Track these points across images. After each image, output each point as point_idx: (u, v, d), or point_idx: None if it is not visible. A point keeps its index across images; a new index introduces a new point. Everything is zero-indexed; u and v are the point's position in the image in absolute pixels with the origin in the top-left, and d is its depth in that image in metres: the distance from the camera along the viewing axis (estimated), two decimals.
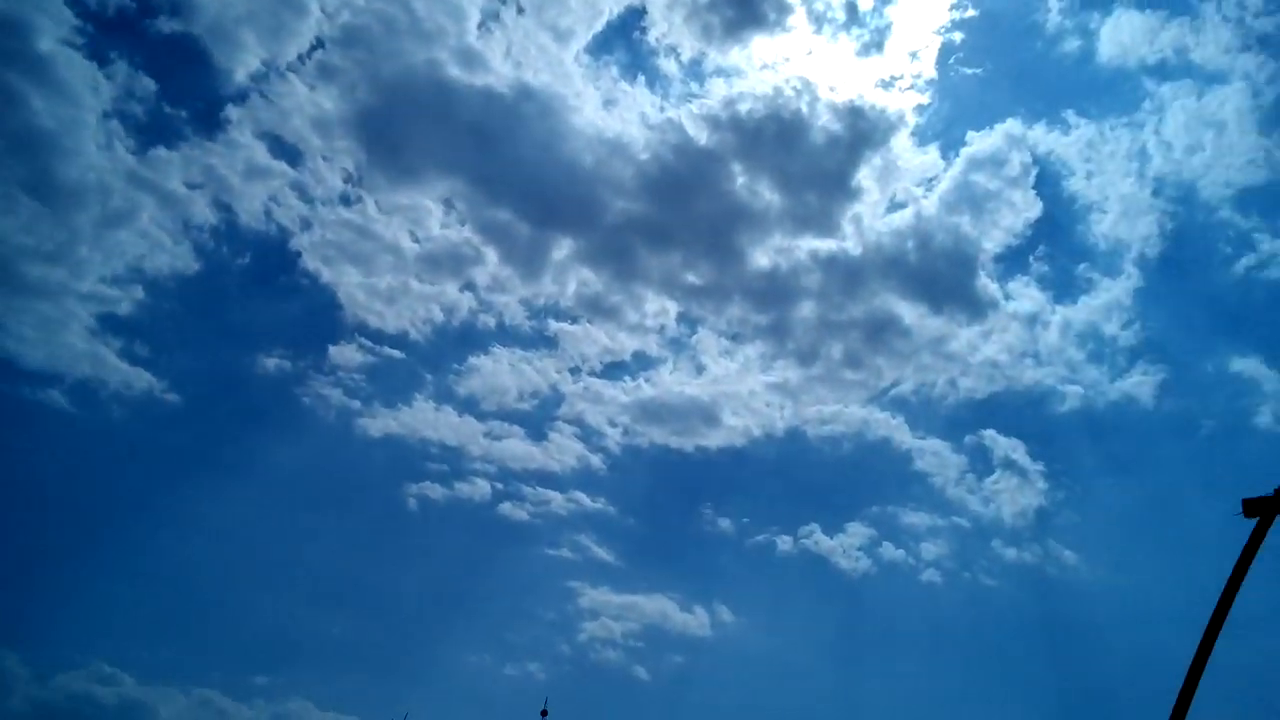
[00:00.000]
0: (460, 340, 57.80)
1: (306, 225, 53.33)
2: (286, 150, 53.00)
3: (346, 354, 53.76)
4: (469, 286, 56.10)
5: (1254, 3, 42.10)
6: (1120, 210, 49.80)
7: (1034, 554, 48.92)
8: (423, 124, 51.77)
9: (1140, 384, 48.96)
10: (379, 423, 52.25)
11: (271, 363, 52.41)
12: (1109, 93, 49.53)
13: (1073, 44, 48.85)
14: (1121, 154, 49.26)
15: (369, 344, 53.61)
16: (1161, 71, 47.10)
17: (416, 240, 55.05)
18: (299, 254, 53.40)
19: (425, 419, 53.52)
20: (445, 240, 55.86)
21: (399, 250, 54.53)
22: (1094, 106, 51.15)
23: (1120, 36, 46.41)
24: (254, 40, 49.75)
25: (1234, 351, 48.68)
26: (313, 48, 50.49)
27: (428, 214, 54.89)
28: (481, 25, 51.89)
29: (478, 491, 52.13)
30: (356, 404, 52.37)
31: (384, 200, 54.15)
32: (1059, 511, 49.94)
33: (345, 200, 54.59)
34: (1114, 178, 49.33)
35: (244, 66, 50.07)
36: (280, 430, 51.69)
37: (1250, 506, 4.58)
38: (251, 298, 54.83)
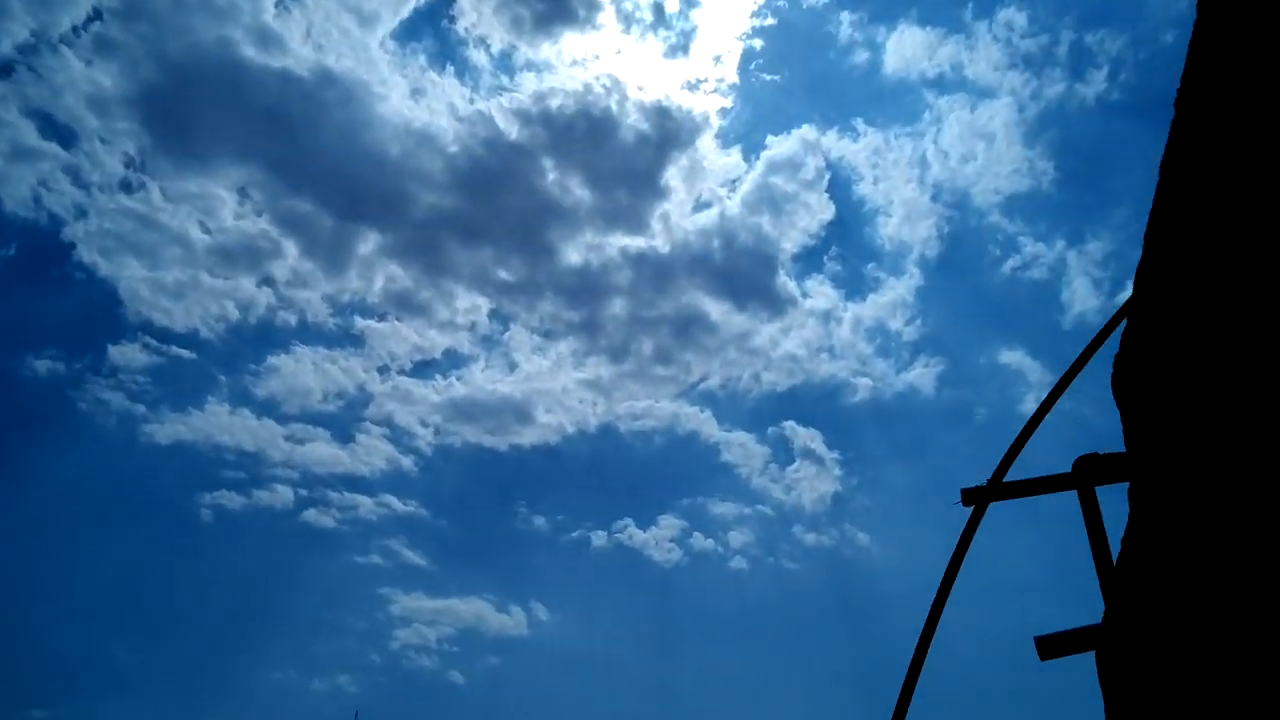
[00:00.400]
0: (258, 338, 54.66)
1: (82, 213, 48.86)
2: (59, 130, 48.36)
3: (129, 354, 49.60)
4: (267, 281, 53.03)
5: (1020, 24, 45.86)
6: (904, 214, 53.27)
7: (831, 537, 51.66)
8: (214, 106, 48.43)
9: (922, 375, 52.65)
10: (167, 428, 48.60)
11: (42, 365, 47.78)
12: (893, 103, 52.95)
13: (862, 55, 51.76)
14: (904, 161, 52.65)
15: (155, 343, 49.68)
16: (940, 85, 50.76)
17: (208, 231, 51.48)
18: (73, 245, 48.86)
19: (220, 423, 50.21)
20: (240, 231, 52.55)
21: (188, 242, 50.84)
22: (880, 115, 54.53)
23: (904, 50, 49.54)
24: (20, 8, 45.15)
25: (1003, 345, 53.16)
26: (89, 19, 46.26)
27: (220, 203, 51.45)
28: (279, 4, 49.07)
29: (279, 499, 49.49)
30: (141, 409, 48.47)
31: (171, 188, 50.35)
32: (853, 496, 52.97)
33: (126, 187, 50.37)
34: (898, 183, 52.70)
35: (9, 37, 45.33)
36: (52, 438, 47.11)
37: (968, 495, 4.94)
38: (17, 293, 49.77)
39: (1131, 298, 3.67)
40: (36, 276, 50.17)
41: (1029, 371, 51.02)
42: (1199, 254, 3.13)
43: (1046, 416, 4.92)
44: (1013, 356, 52.63)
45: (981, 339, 55.75)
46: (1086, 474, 4.38)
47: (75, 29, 46.35)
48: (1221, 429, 3.03)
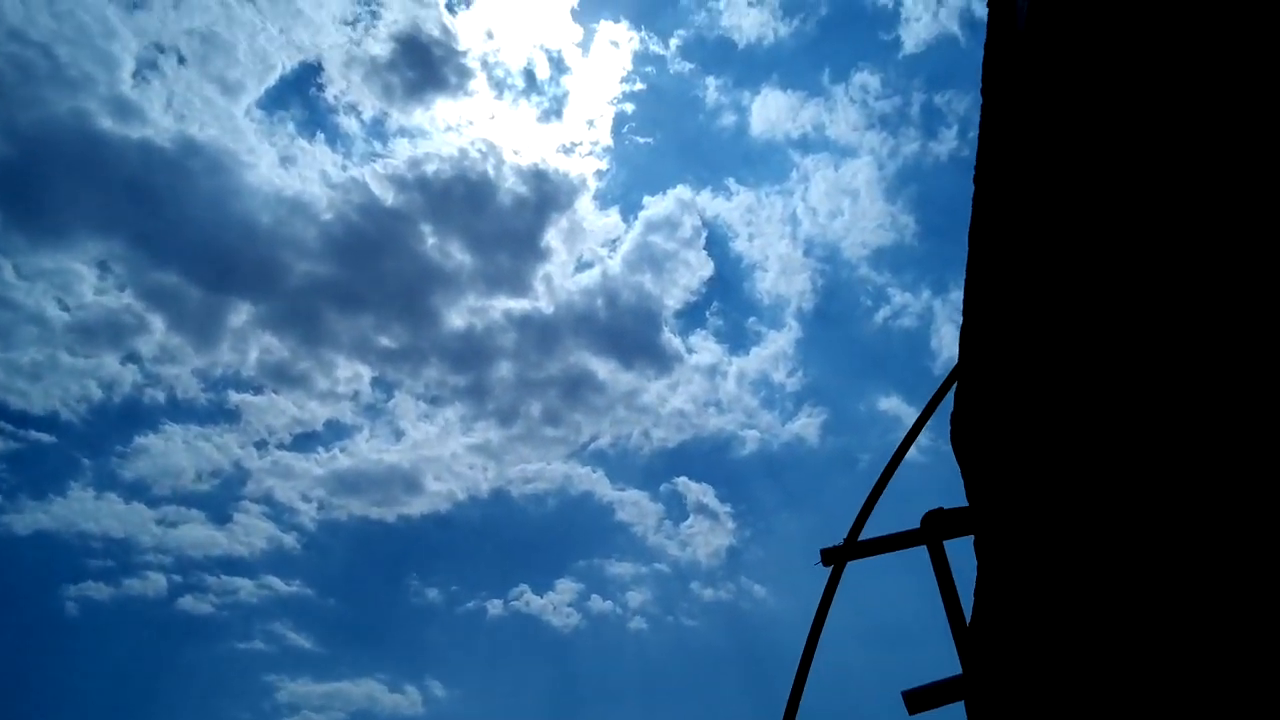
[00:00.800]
0: (124, 418, 51.80)
1: None
2: None
3: None
4: (132, 358, 50.53)
5: (874, 87, 48.17)
6: (779, 269, 54.81)
7: (728, 591, 51.70)
8: (70, 179, 46.41)
9: (806, 425, 53.70)
10: (26, 518, 45.30)
11: None
12: (762, 163, 54.84)
13: (729, 118, 53.52)
14: (777, 218, 54.37)
15: (10, 428, 46.51)
16: (804, 145, 52.80)
17: (66, 308, 48.89)
18: None
19: (84, 510, 47.16)
20: (101, 307, 50.07)
21: (44, 320, 48.13)
22: (751, 175, 56.28)
23: (768, 113, 51.46)
24: None
25: (880, 392, 54.79)
26: None
27: (79, 279, 48.99)
28: (137, 74, 47.59)
29: (151, 586, 46.50)
30: None
31: (25, 264, 47.76)
32: (746, 548, 53.27)
33: None
34: (772, 239, 54.29)
35: None
36: None
37: (826, 555, 5.02)
38: None
39: (958, 362, 3.83)
40: None
41: (905, 416, 52.72)
42: (1011, 317, 3.28)
43: (898, 471, 5.05)
44: (890, 403, 54.38)
45: (860, 387, 57.46)
46: (934, 529, 4.49)
47: None
48: (1049, 481, 3.15)
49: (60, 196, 47.94)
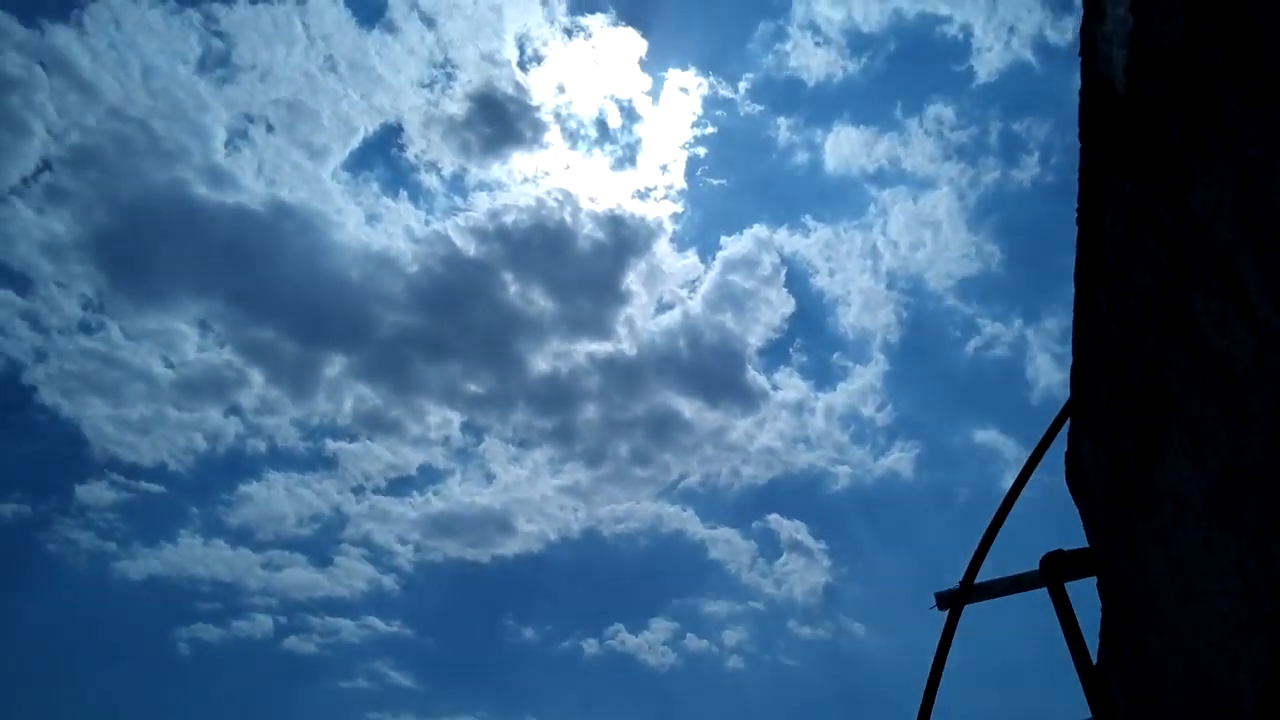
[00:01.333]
0: (228, 468, 53.72)
1: (41, 357, 48.44)
2: (14, 278, 48.31)
3: (96, 492, 48.57)
4: (234, 410, 52.56)
5: (949, 118, 47.64)
6: (862, 303, 54.19)
7: (826, 629, 50.64)
8: (170, 245, 48.76)
9: (900, 460, 52.57)
10: (140, 564, 47.26)
11: (8, 509, 46.57)
12: (839, 198, 54.53)
13: (802, 156, 53.53)
14: (856, 252, 53.86)
15: (122, 480, 48.72)
16: (881, 179, 52.36)
17: (171, 366, 51.20)
18: (34, 388, 48.31)
19: (193, 555, 48.95)
20: (203, 364, 52.29)
21: (151, 377, 50.45)
22: (828, 210, 56.02)
23: (841, 149, 51.33)
24: None
25: (975, 424, 53.43)
26: (39, 170, 46.75)
27: (182, 338, 51.30)
28: (229, 144, 49.97)
29: (258, 628, 47.86)
30: (112, 546, 47.26)
31: (131, 326, 50.21)
32: (844, 586, 52.19)
33: (86, 328, 50.17)
34: (853, 274, 53.76)
35: None
36: (20, 582, 45.65)
37: (941, 600, 4.92)
38: None
39: (1070, 398, 3.77)
40: None
41: (1003, 449, 51.31)
42: (1123, 354, 3.23)
43: (1014, 509, 4.96)
44: (986, 435, 52.96)
45: (954, 419, 56.07)
46: (1054, 571, 4.40)
47: (25, 180, 46.78)
48: (1173, 520, 3.08)
49: (162, 261, 50.33)
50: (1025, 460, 4.75)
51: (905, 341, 55.09)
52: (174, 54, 45.97)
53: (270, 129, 53.12)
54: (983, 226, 53.38)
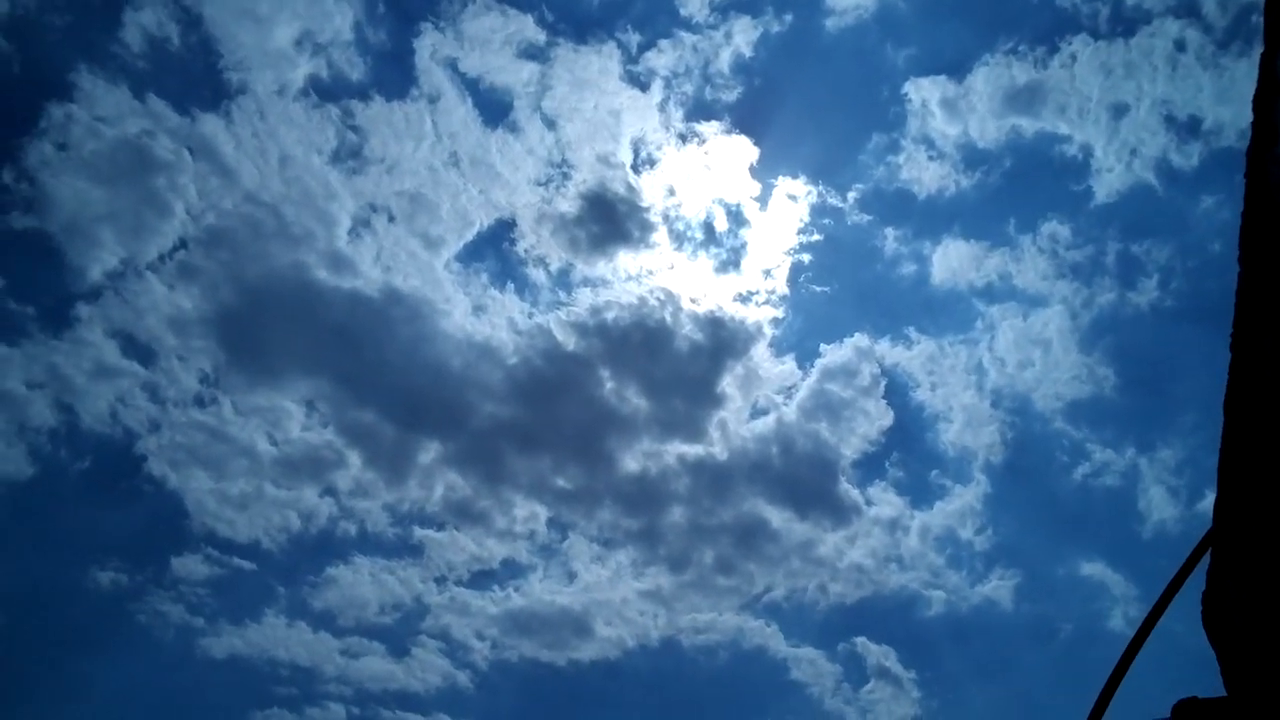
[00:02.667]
0: (318, 549, 54.62)
1: (155, 427, 50.60)
2: (139, 350, 51.01)
3: (191, 566, 49.84)
4: (329, 491, 53.70)
5: (1064, 236, 46.77)
6: (965, 420, 52.59)
7: None
8: (287, 325, 51.03)
9: (998, 588, 49.99)
10: (224, 641, 47.94)
11: (106, 577, 48.16)
12: (944, 312, 53.55)
13: (909, 268, 53.01)
14: (961, 368, 52.59)
15: (217, 554, 49.96)
16: (989, 294, 51.35)
17: (274, 443, 52.84)
18: (144, 458, 50.38)
19: (275, 636, 49.48)
20: (305, 443, 53.81)
21: (255, 454, 52.13)
22: (932, 324, 55.02)
23: (949, 262, 50.66)
24: (112, 239, 48.75)
25: (1081, 556, 50.65)
26: (175, 248, 49.81)
27: (288, 416, 53.06)
28: (352, 231, 52.52)
29: (331, 717, 47.86)
30: (200, 621, 48.14)
31: (242, 401, 52.22)
32: None
33: (200, 402, 52.37)
34: (956, 389, 52.36)
35: (100, 264, 48.74)
36: (111, 652, 46.74)
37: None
38: (89, 505, 50.83)
39: (1212, 529, 3.45)
40: (108, 490, 51.49)
41: (1112, 585, 48.35)
42: (1278, 488, 2.95)
43: (1139, 655, 4.55)
44: (1093, 568, 50.03)
45: (1058, 550, 53.23)
46: None
47: (161, 257, 49.84)
48: None
49: (278, 340, 52.55)
50: (1141, 597, 4.37)
51: (1009, 463, 53.01)
52: (310, 145, 48.79)
53: (392, 219, 55.63)
54: (1096, 348, 51.57)
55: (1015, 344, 51.09)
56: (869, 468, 57.33)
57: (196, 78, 45.00)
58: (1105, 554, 50.56)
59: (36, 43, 40.33)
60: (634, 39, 47.27)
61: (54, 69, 41.27)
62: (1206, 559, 3.84)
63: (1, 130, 40.99)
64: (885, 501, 55.46)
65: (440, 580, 54.77)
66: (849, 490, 55.25)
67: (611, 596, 56.54)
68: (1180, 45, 41.18)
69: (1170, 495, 44.54)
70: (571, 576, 56.65)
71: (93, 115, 42.99)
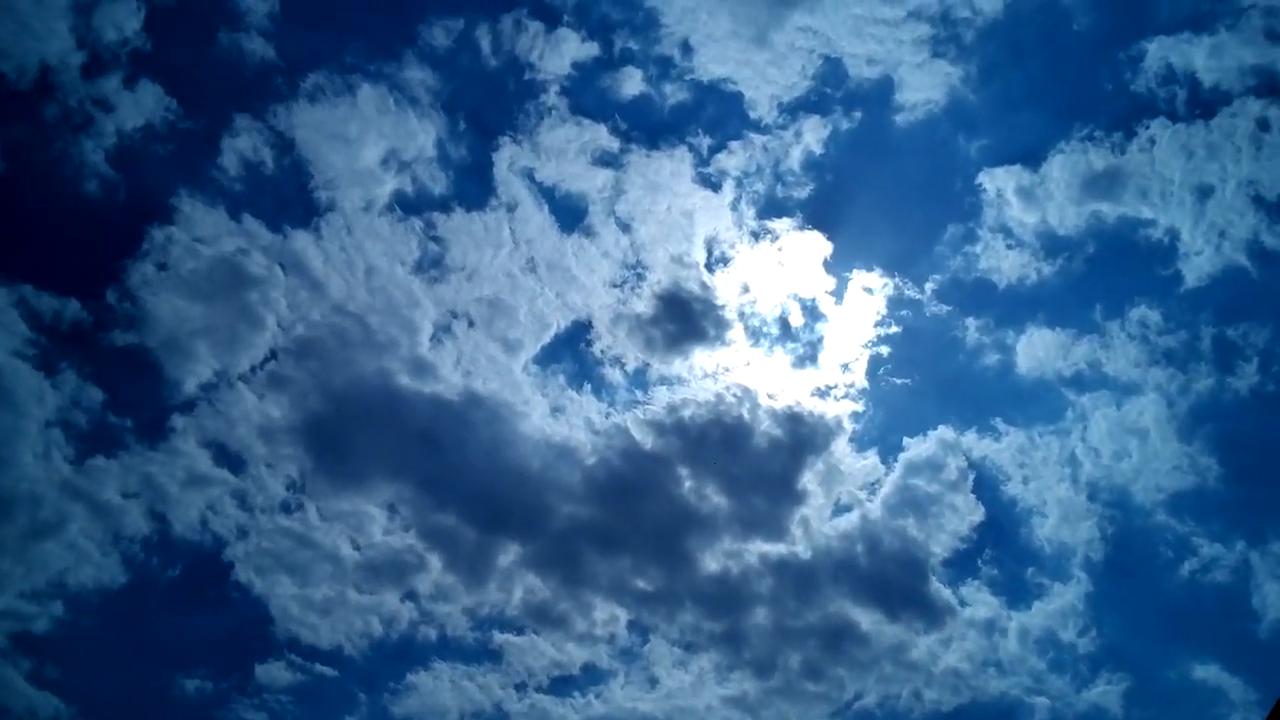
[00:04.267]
0: (399, 655, 54.23)
1: (243, 534, 51.52)
2: (230, 458, 52.43)
3: (274, 673, 49.93)
4: (410, 596, 53.66)
5: (1155, 321, 45.36)
6: (1060, 514, 50.40)
7: None
8: (371, 431, 52.07)
9: (1106, 693, 47.02)
10: None
11: (192, 685, 48.51)
12: (1033, 402, 51.84)
13: (992, 358, 51.82)
14: (1053, 460, 50.63)
15: (300, 661, 50.04)
16: (1079, 383, 49.72)
17: (357, 548, 53.30)
18: (232, 565, 51.21)
19: None
20: (387, 547, 54.15)
21: (338, 559, 52.61)
22: (1020, 415, 53.23)
23: (1035, 352, 49.34)
24: (207, 352, 50.71)
25: (1193, 659, 47.45)
26: (266, 359, 51.61)
27: (370, 520, 53.61)
28: (433, 337, 53.86)
29: None
30: None
31: (326, 507, 53.01)
32: None
33: (286, 508, 53.35)
34: (1049, 482, 50.34)
35: (195, 377, 50.61)
36: None
37: None
38: (178, 613, 51.73)
39: None
40: (197, 597, 52.25)
41: (1229, 689, 45.03)
42: None
43: None
44: (1208, 671, 46.68)
45: (1168, 651, 49.90)
46: None
47: (253, 368, 51.52)
48: None
49: (361, 447, 53.43)
50: (1262, 702, 3.91)
51: (1110, 559, 50.28)
52: (394, 256, 50.48)
53: (471, 324, 56.80)
54: (1196, 437, 49.12)
55: (1110, 434, 49.04)
56: (961, 566, 54.95)
57: (288, 197, 47.37)
58: (1219, 655, 47.15)
59: (141, 170, 42.91)
60: (705, 142, 48.27)
61: (156, 194, 43.79)
62: None
63: (106, 253, 43.48)
64: (980, 602, 52.98)
65: (520, 687, 53.67)
66: (940, 590, 53.02)
67: (695, 703, 54.51)
68: (1263, 124, 40.29)
69: None
70: (653, 682, 54.99)
71: (191, 236, 45.37)
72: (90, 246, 44.22)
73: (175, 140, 42.74)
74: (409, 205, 48.80)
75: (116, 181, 43.00)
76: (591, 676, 55.14)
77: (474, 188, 51.46)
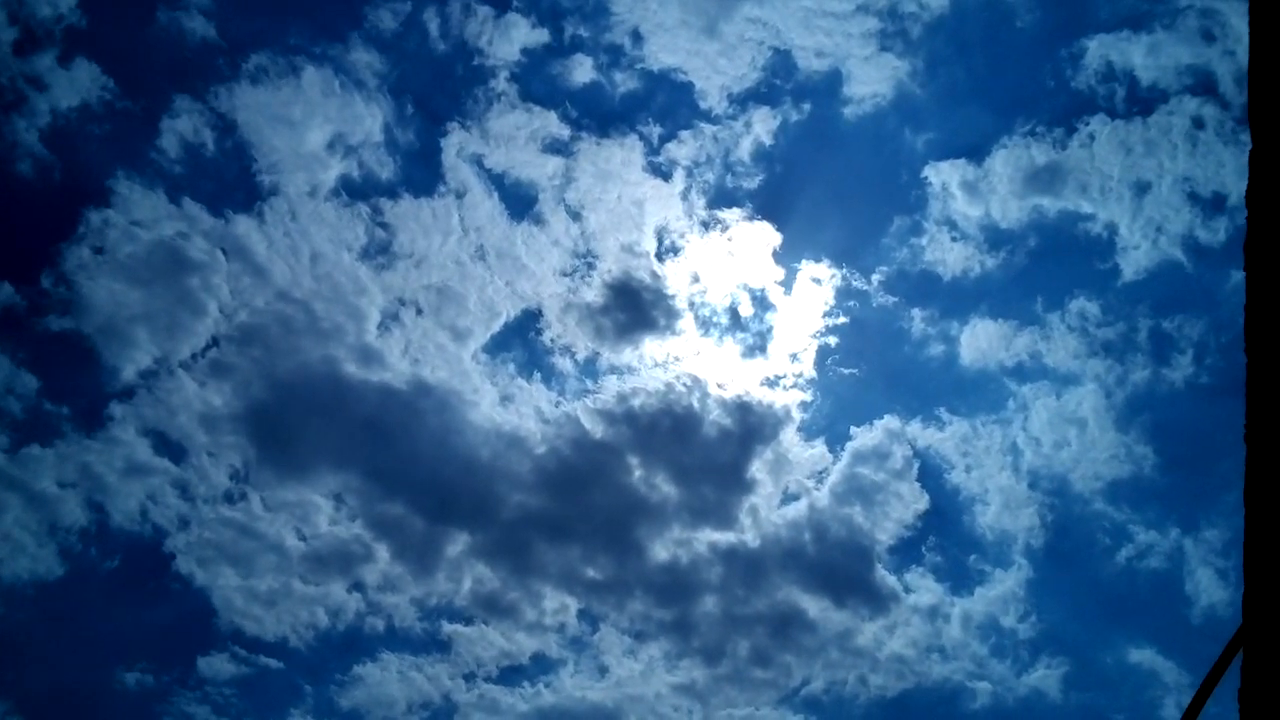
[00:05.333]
0: (345, 646, 53.77)
1: (184, 525, 50.60)
2: (170, 447, 51.44)
3: (217, 665, 49.17)
4: (357, 586, 53.15)
5: (1093, 313, 46.35)
6: (1001, 502, 51.31)
7: None
8: (316, 420, 51.44)
9: (1046, 678, 48.05)
10: None
11: (132, 678, 47.63)
12: (975, 392, 52.73)
13: (937, 348, 52.51)
14: (995, 449, 51.53)
15: (243, 653, 49.28)
16: (1020, 374, 50.61)
17: (303, 538, 52.61)
18: (173, 556, 50.30)
19: None
20: (334, 537, 53.54)
21: (283, 549, 51.90)
22: (963, 405, 54.15)
23: (978, 343, 50.06)
24: (146, 338, 49.66)
25: (1129, 643, 48.80)
26: (208, 346, 50.67)
27: (316, 510, 52.93)
28: (381, 325, 53.32)
29: None
30: None
31: (271, 497, 52.23)
32: None
33: (229, 498, 52.47)
34: (991, 471, 51.21)
35: (134, 364, 49.56)
36: None
37: None
38: (117, 605, 50.72)
39: (1241, 627, 3.20)
40: (136, 588, 51.35)
41: (1163, 671, 46.39)
42: None
43: None
44: (1143, 655, 48.05)
45: (1106, 636, 51.25)
46: None
47: (194, 355, 50.62)
48: None
49: (307, 436, 52.81)
50: (1194, 685, 4.07)
51: (1050, 546, 51.51)
52: (341, 242, 49.85)
53: (420, 312, 56.37)
54: (1133, 426, 50.47)
55: (1050, 423, 50.13)
56: (905, 553, 55.89)
57: (230, 181, 46.40)
58: (1154, 640, 48.55)
59: (76, 151, 41.84)
60: (655, 131, 48.25)
61: (93, 176, 42.73)
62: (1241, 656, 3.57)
63: (41, 236, 42.34)
64: (924, 588, 53.92)
65: (469, 677, 53.53)
66: (885, 577, 53.84)
67: (645, 691, 54.88)
68: (1198, 122, 41.33)
69: (1219, 578, 42.99)
70: (603, 671, 55.22)
71: (129, 219, 44.25)
72: (23, 229, 42.91)
73: (112, 120, 41.62)
74: (355, 190, 48.07)
75: (51, 162, 41.84)
76: (541, 666, 55.13)
77: (422, 173, 50.89)
